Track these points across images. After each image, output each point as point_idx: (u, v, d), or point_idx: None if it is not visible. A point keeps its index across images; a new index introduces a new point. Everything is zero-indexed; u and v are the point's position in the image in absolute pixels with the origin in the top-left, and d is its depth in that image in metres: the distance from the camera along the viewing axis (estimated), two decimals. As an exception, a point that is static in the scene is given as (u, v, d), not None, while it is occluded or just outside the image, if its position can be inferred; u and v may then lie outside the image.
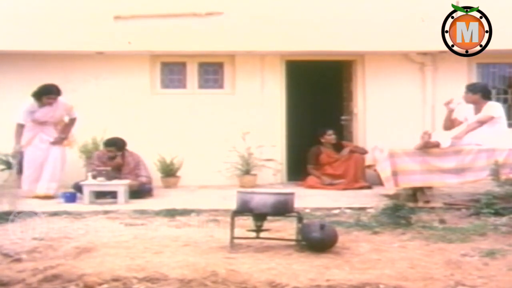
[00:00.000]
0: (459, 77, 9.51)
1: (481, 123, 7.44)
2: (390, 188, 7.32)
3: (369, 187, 8.80)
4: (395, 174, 7.12)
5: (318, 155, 9.40)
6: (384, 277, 4.22)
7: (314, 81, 10.96)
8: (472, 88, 7.79)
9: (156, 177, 8.98)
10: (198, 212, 6.81)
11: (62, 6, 8.97)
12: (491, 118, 7.47)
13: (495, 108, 7.68)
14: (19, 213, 6.43)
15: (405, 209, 6.16)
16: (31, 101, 8.19)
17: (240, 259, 4.71)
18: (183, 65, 9.78)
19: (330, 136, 9.41)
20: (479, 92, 7.70)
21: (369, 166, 8.37)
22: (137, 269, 4.38)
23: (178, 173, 9.29)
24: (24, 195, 7.93)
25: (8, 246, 5.12)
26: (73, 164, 8.68)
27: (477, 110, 7.63)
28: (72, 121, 8.44)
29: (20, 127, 8.19)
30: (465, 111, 7.75)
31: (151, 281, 4.18)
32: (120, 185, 7.72)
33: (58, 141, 8.25)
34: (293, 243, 5.15)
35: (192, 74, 9.75)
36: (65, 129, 8.39)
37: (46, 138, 8.23)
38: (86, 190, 7.64)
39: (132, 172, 8.29)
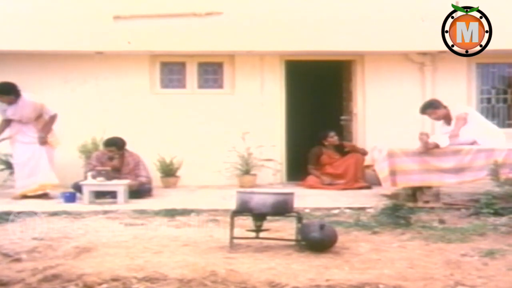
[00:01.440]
0: (459, 77, 9.54)
1: (462, 119, 7.58)
2: (387, 188, 7.34)
3: (368, 187, 8.80)
4: (393, 174, 7.13)
5: (319, 156, 9.39)
6: (383, 277, 4.22)
7: (314, 81, 10.96)
8: (426, 109, 7.96)
9: (156, 177, 8.97)
10: (198, 212, 6.81)
11: (62, 6, 8.97)
12: (466, 114, 7.65)
13: (459, 106, 7.92)
14: (19, 213, 6.45)
15: (405, 209, 6.16)
16: None
17: (239, 259, 4.71)
18: (182, 65, 9.77)
19: (333, 138, 9.39)
20: (432, 107, 7.89)
21: (367, 166, 8.38)
22: (137, 269, 4.38)
23: (178, 173, 9.29)
24: (18, 193, 7.94)
25: (8, 246, 5.12)
26: (73, 164, 8.68)
27: (447, 120, 7.79)
28: (52, 118, 8.15)
29: (4, 122, 8.10)
30: (441, 128, 7.93)
31: (150, 281, 4.18)
32: (120, 185, 7.72)
33: (40, 142, 8.03)
34: (292, 243, 5.14)
35: (191, 74, 9.74)
36: (44, 127, 8.10)
37: (28, 134, 8.06)
38: (86, 190, 7.63)
39: (132, 172, 8.28)
